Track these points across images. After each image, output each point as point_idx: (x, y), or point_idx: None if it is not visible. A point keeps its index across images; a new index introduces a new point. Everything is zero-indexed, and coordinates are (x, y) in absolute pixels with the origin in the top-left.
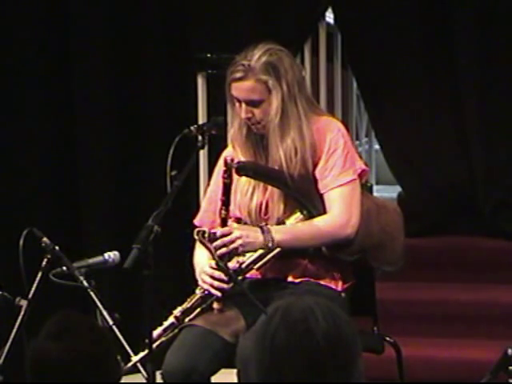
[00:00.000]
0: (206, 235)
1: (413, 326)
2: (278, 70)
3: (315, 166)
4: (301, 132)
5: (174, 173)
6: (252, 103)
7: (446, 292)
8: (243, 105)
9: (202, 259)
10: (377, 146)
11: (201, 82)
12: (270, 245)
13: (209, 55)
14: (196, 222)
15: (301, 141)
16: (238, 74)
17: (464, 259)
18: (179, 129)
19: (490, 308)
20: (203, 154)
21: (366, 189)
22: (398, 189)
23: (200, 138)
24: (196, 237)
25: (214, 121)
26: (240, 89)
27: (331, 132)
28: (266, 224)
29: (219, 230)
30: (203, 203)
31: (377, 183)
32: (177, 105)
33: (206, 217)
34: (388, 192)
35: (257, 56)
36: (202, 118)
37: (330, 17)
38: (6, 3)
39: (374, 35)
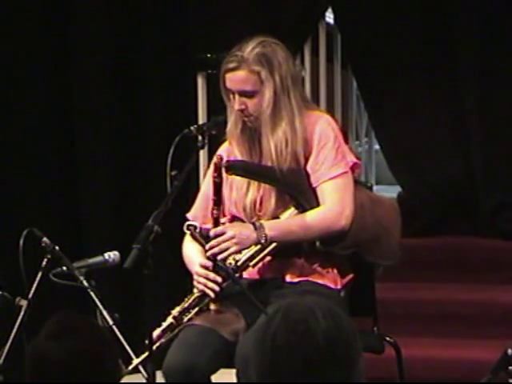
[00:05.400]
0: (198, 230)
1: (413, 326)
2: (272, 61)
3: (307, 160)
4: (292, 125)
5: (174, 173)
6: (245, 94)
7: (446, 292)
8: (237, 96)
9: (195, 254)
10: (377, 146)
11: (201, 82)
12: (263, 241)
13: (209, 55)
14: (189, 215)
15: (292, 133)
16: (231, 65)
17: (464, 259)
18: (179, 129)
19: (490, 308)
20: (203, 154)
21: (362, 185)
22: (398, 189)
23: (200, 137)
24: (187, 231)
25: (214, 121)
26: (233, 79)
27: (321, 126)
28: (259, 220)
29: (212, 230)
30: (197, 199)
31: (377, 183)
32: (177, 105)
33: (199, 212)
34: (388, 192)
35: (250, 47)
36: (202, 118)
37: (329, 17)
38: (6, 3)
39: (374, 35)
